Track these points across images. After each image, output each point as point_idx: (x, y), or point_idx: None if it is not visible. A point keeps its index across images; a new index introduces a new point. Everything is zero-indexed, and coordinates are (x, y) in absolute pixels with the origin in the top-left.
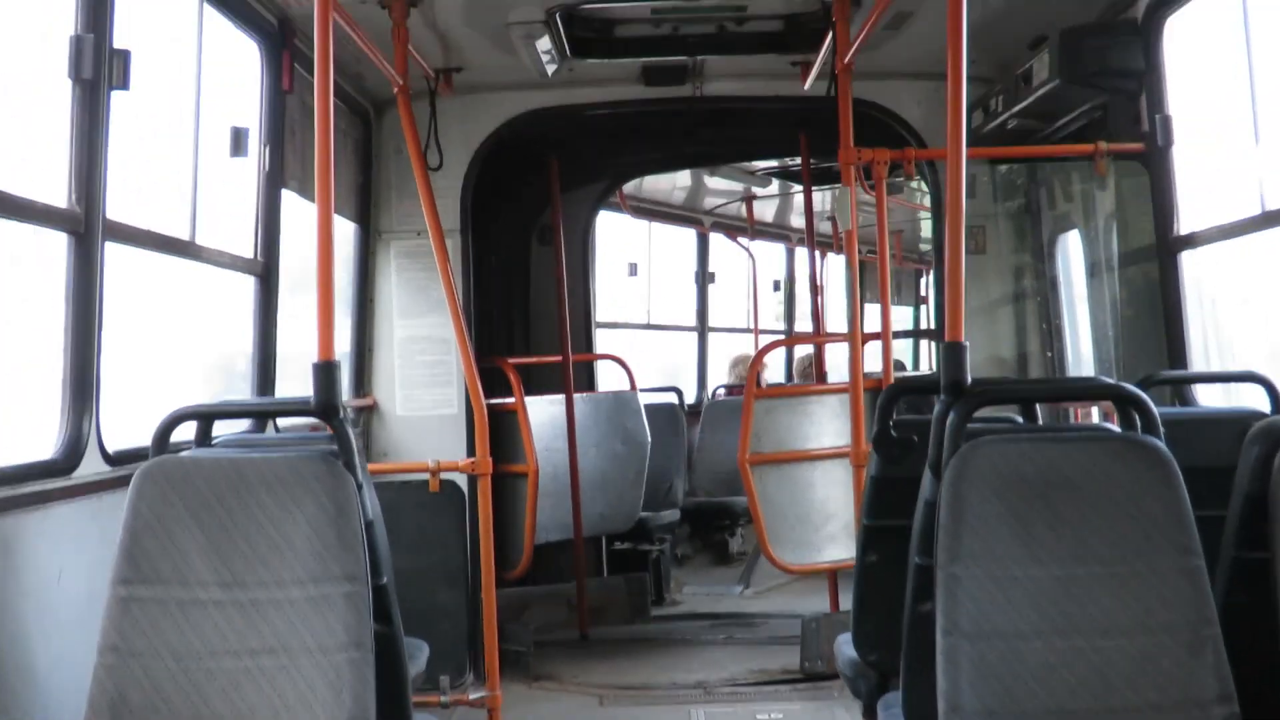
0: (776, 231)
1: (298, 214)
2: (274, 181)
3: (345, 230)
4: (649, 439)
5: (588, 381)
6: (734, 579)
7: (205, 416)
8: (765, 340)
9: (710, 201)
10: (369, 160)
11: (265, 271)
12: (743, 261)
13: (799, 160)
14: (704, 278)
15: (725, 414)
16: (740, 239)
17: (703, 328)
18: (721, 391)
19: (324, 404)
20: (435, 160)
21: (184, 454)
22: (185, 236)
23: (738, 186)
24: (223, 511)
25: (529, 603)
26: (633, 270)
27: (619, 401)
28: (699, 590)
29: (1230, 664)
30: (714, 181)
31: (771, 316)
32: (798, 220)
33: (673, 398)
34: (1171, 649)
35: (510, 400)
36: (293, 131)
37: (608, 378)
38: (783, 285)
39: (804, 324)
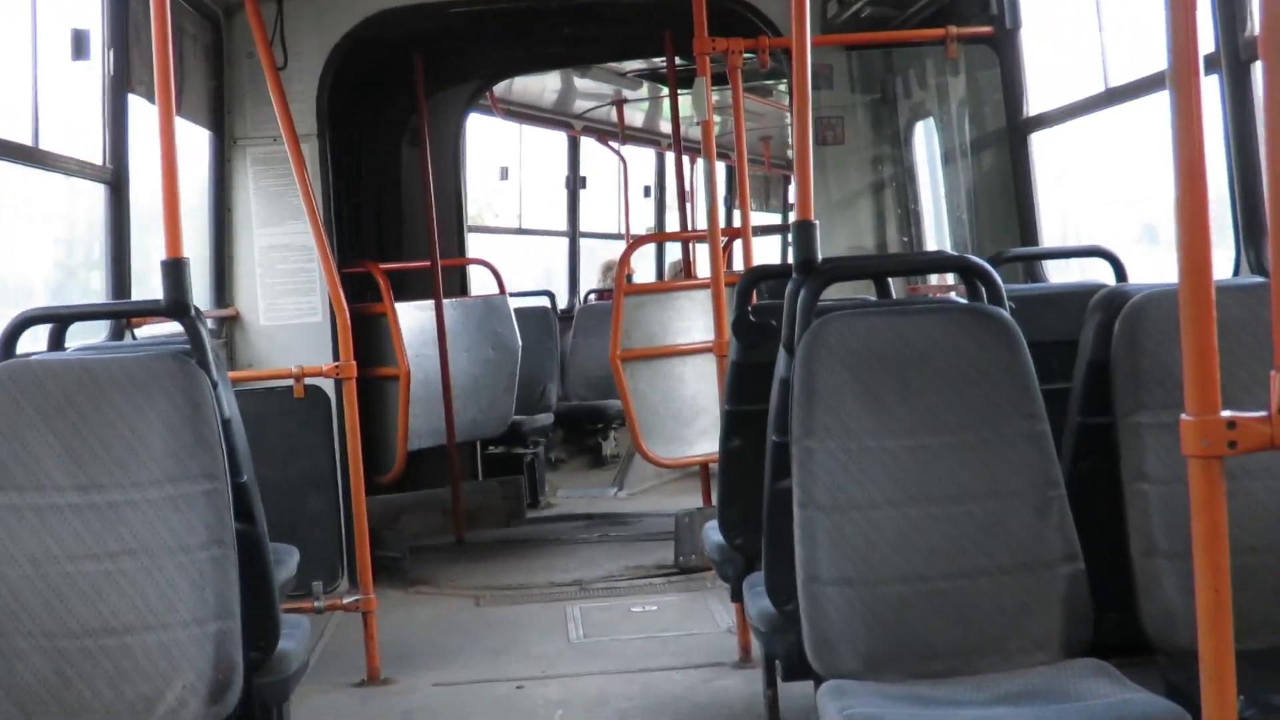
0: (647, 136)
1: (150, 121)
2: (120, 86)
3: (199, 138)
4: (520, 344)
5: (460, 287)
6: (608, 481)
7: (53, 319)
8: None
9: (581, 105)
10: (221, 65)
11: (115, 179)
12: (615, 166)
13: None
14: (575, 182)
15: (597, 318)
16: (611, 143)
17: (574, 233)
18: (593, 297)
19: (174, 301)
20: (281, 61)
21: (32, 358)
22: (28, 142)
23: (608, 89)
24: (75, 414)
25: (403, 509)
26: (504, 174)
27: (489, 306)
28: (574, 493)
29: (1077, 525)
30: (584, 84)
31: (643, 223)
32: (667, 125)
33: (545, 302)
34: (1019, 512)
35: (378, 305)
36: (138, 34)
37: (480, 283)
38: (653, 190)
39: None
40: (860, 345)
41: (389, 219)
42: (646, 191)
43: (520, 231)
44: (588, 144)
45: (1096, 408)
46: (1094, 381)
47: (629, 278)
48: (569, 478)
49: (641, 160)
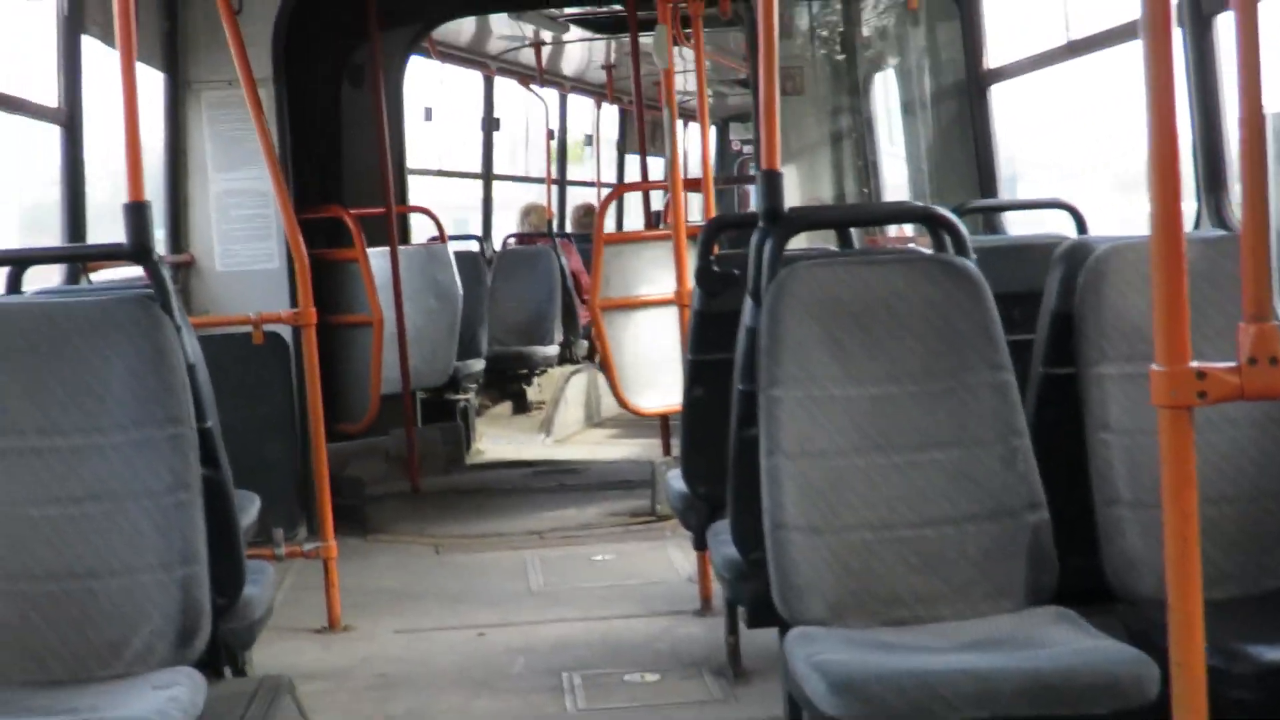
0: (569, 81)
1: (102, 63)
2: (74, 25)
3: (153, 81)
4: (461, 292)
5: (400, 233)
6: (532, 427)
7: (12, 261)
8: (578, 193)
9: (497, 45)
10: (175, 6)
11: (69, 120)
12: (530, 110)
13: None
14: (489, 124)
15: (516, 263)
16: (533, 86)
17: (488, 175)
18: (511, 241)
19: (136, 245)
20: (237, 3)
21: None
22: None
23: (526, 30)
24: (35, 359)
25: (347, 457)
26: (428, 115)
27: (431, 255)
28: (501, 439)
29: (1041, 474)
30: (499, 25)
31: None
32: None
33: (474, 247)
34: (984, 461)
35: (335, 250)
36: None
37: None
38: (595, 138)
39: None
40: (827, 295)
41: (329, 162)
42: (588, 140)
43: (439, 173)
44: (504, 84)
45: (1059, 359)
46: (1057, 333)
47: (550, 224)
48: (494, 423)
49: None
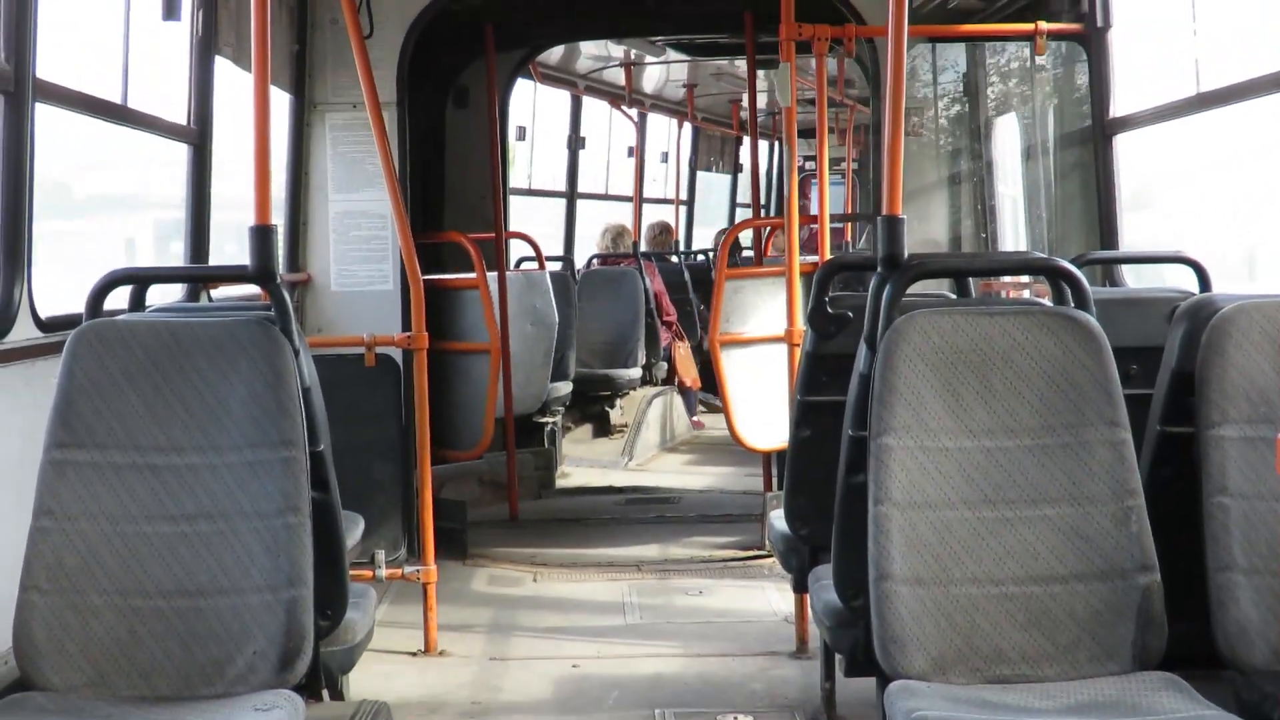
0: (649, 99)
1: (232, 83)
2: (207, 47)
3: (280, 101)
4: (557, 320)
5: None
6: (614, 450)
7: (140, 280)
8: (649, 211)
9: (584, 64)
10: (304, 29)
11: (199, 139)
12: (614, 129)
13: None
14: (575, 142)
15: (601, 284)
16: (622, 106)
17: (572, 194)
18: (595, 262)
19: (261, 268)
20: (367, 29)
21: (118, 318)
22: (117, 100)
23: (616, 51)
24: (158, 376)
25: (441, 481)
26: (520, 134)
27: (529, 282)
28: (583, 462)
29: (1154, 535)
30: (587, 44)
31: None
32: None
33: (559, 267)
34: (1097, 520)
35: (448, 276)
36: None
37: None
38: (674, 157)
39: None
40: (943, 343)
41: (433, 184)
42: (664, 157)
43: (530, 193)
44: (592, 104)
45: (1178, 417)
46: (1177, 391)
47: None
48: (575, 446)
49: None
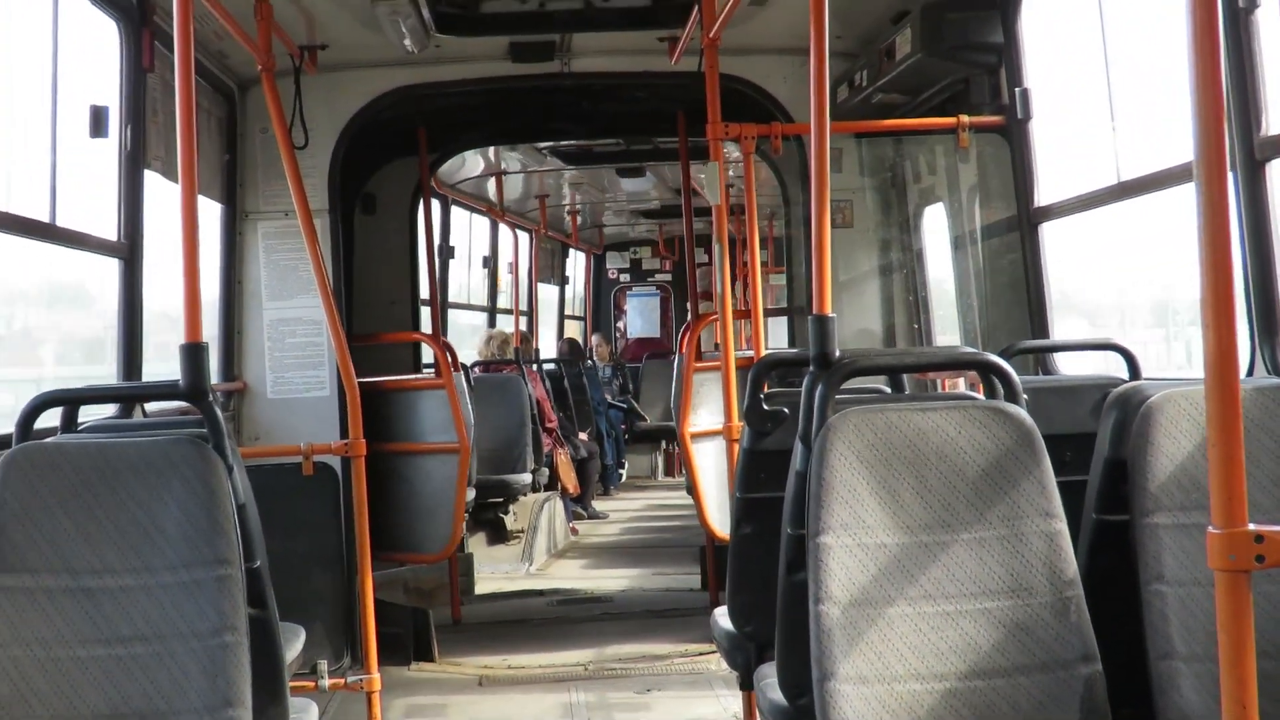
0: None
1: (162, 196)
2: (136, 162)
3: (211, 212)
4: (473, 423)
5: (413, 362)
6: (513, 556)
7: (71, 401)
8: (502, 321)
9: (452, 173)
10: (234, 139)
11: (129, 254)
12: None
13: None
14: (444, 252)
15: (486, 390)
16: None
17: (443, 302)
18: (477, 369)
19: (192, 386)
20: (300, 140)
21: (49, 440)
22: (45, 218)
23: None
24: (91, 498)
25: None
26: (451, 253)
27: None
28: (485, 566)
29: (1094, 624)
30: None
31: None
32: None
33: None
34: (1036, 611)
35: (408, 378)
36: (155, 111)
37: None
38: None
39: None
40: (877, 440)
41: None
42: (484, 262)
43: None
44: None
45: (1113, 506)
46: (1111, 479)
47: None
48: (475, 550)
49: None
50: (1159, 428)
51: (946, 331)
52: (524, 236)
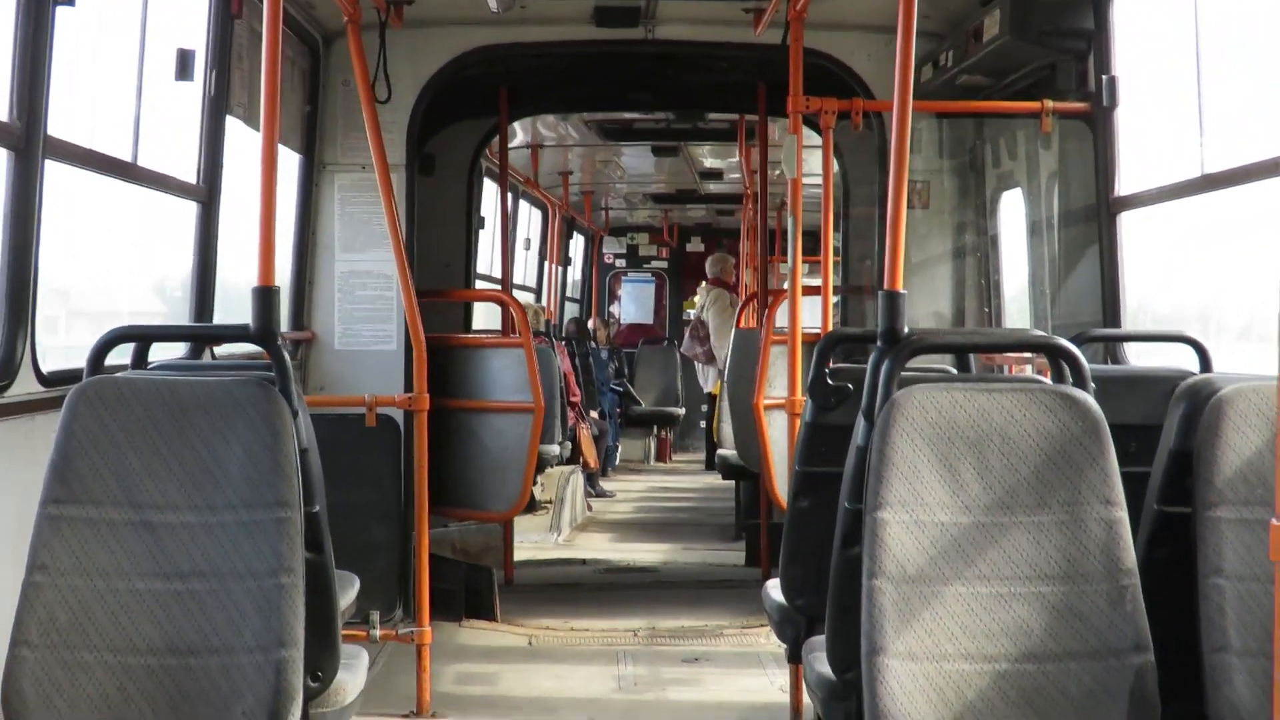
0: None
1: (243, 142)
2: (218, 107)
3: (289, 161)
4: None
5: (464, 323)
6: (541, 526)
7: (142, 338)
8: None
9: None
10: (316, 91)
11: (207, 198)
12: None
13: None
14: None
15: None
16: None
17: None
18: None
19: (262, 329)
20: (383, 94)
21: (119, 375)
22: (127, 158)
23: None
24: (156, 434)
25: None
26: (481, 224)
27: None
28: (516, 537)
29: (1148, 614)
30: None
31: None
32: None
33: None
34: (1091, 598)
35: (484, 336)
36: (240, 57)
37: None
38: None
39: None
40: (941, 419)
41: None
42: (526, 244)
43: None
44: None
45: (1175, 497)
46: (1175, 471)
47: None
48: None
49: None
50: (1227, 421)
51: (1017, 318)
52: (537, 213)
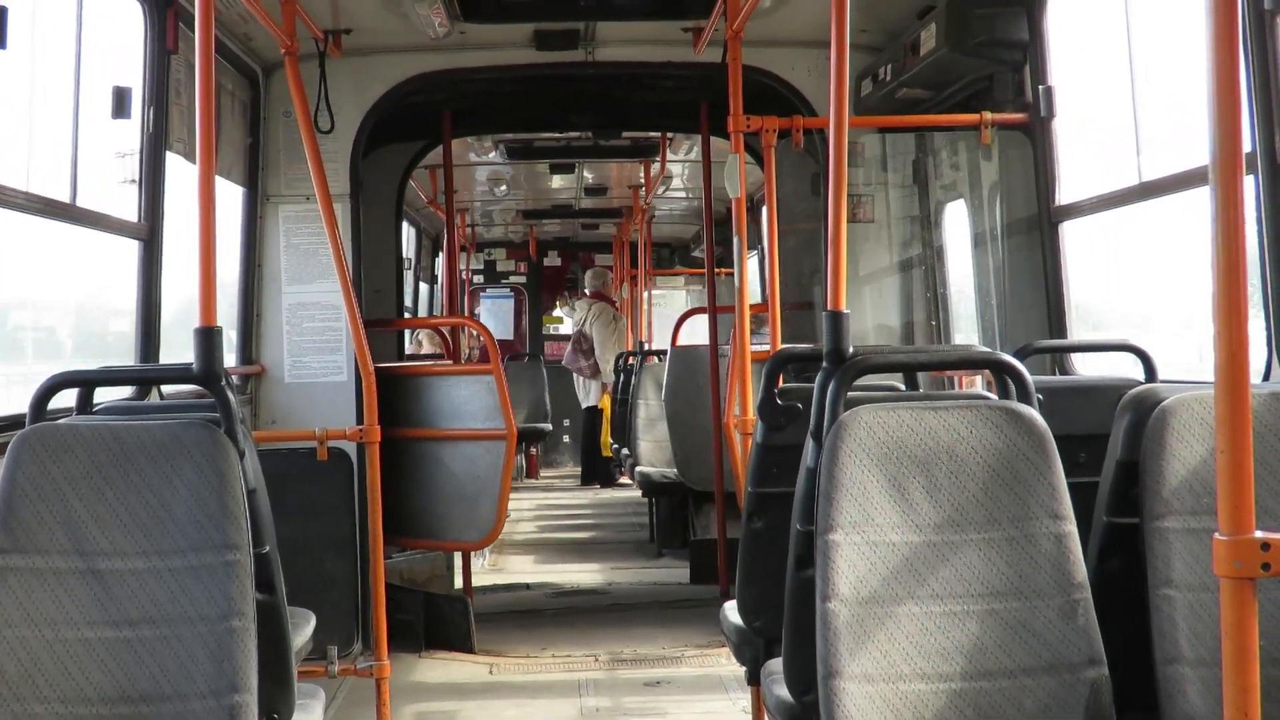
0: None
1: (184, 178)
2: (157, 144)
3: (233, 195)
4: None
5: (397, 351)
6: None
7: (85, 383)
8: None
9: None
10: (257, 123)
11: (149, 236)
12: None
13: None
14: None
15: None
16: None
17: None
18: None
19: (205, 369)
20: (326, 124)
21: (62, 421)
22: (65, 199)
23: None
24: (102, 480)
25: None
26: (407, 264)
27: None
28: None
29: (1101, 627)
30: None
31: None
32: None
33: None
34: (1044, 613)
35: (394, 365)
36: (178, 93)
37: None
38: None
39: None
40: (888, 439)
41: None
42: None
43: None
44: None
45: (1124, 508)
46: (1122, 481)
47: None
48: None
49: None
50: (1172, 431)
51: (965, 329)
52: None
